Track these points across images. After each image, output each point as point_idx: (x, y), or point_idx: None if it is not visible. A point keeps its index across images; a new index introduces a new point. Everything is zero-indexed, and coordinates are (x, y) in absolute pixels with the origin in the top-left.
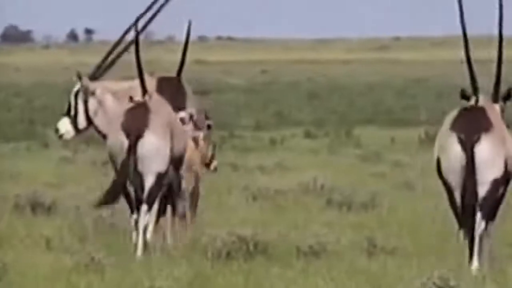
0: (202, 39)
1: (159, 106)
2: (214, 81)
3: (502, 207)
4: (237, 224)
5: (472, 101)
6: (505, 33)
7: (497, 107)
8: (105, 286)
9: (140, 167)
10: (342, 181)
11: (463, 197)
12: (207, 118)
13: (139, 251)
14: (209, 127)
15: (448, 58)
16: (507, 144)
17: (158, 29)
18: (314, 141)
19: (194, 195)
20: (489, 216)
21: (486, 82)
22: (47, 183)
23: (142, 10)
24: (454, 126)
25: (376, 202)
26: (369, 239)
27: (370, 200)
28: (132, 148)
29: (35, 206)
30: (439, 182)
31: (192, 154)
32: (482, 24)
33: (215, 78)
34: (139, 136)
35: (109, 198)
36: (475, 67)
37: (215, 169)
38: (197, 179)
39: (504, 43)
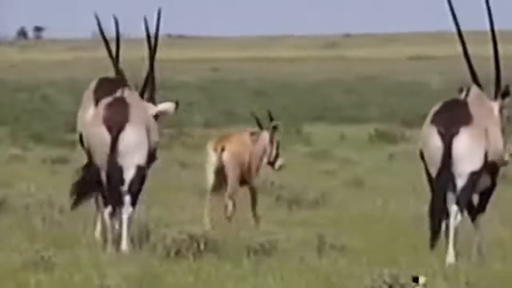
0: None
1: (136, 100)
2: (165, 78)
3: (490, 200)
4: (186, 222)
5: (463, 94)
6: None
7: (491, 102)
8: (55, 284)
9: (121, 161)
10: (291, 179)
11: (436, 187)
12: (271, 118)
13: (124, 245)
14: (275, 128)
15: (397, 55)
16: (490, 138)
17: (110, 26)
18: None
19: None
20: (479, 208)
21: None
22: None
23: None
24: (435, 120)
25: (326, 200)
26: (319, 237)
27: (320, 197)
28: (114, 142)
29: None
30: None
31: (246, 152)
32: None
33: (165, 75)
34: (120, 129)
35: (81, 196)
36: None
37: (280, 168)
38: (253, 176)
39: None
